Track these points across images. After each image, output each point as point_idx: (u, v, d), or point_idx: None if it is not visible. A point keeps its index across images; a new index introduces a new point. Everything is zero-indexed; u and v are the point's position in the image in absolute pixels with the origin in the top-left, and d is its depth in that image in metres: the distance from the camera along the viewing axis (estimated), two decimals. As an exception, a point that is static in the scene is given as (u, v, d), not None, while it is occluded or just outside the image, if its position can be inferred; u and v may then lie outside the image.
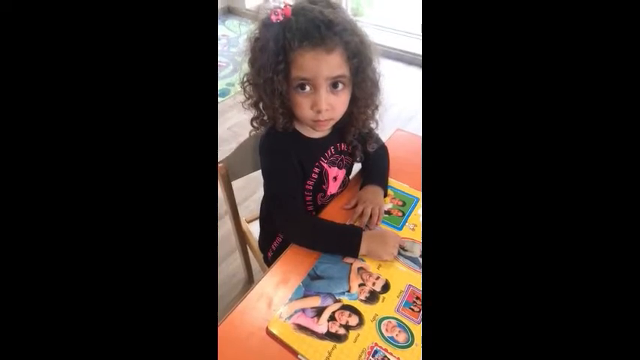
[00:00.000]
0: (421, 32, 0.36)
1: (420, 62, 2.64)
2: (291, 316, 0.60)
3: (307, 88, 0.64)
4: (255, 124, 0.74)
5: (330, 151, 0.78)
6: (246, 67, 0.68)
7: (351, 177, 0.90)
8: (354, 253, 0.68)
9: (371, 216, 0.75)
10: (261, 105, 0.70)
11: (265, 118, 0.71)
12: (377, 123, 0.78)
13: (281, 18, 0.60)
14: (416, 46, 2.71)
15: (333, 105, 0.66)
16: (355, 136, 0.78)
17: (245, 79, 0.69)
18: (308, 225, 0.73)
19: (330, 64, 0.62)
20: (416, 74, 2.57)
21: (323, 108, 0.64)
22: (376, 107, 0.74)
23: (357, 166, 0.90)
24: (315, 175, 0.77)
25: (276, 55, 0.61)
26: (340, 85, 0.65)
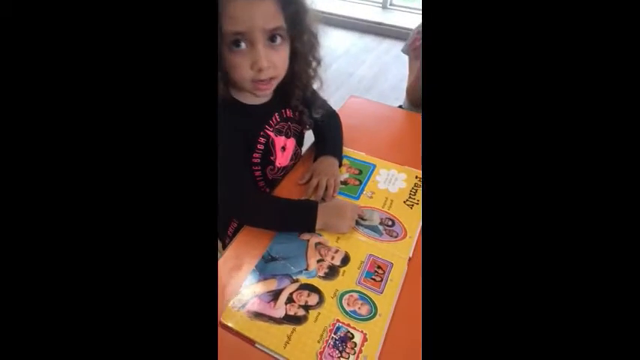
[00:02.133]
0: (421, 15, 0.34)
1: (375, 30, 2.59)
2: (245, 304, 0.55)
3: (243, 44, 0.57)
4: None
5: (275, 119, 0.72)
6: None
7: (304, 150, 0.85)
8: (311, 227, 0.64)
9: (326, 188, 0.71)
10: None
11: None
12: (321, 81, 0.72)
13: None
14: (370, 14, 2.65)
15: (274, 62, 0.60)
16: (299, 99, 0.73)
17: None
18: (259, 203, 0.68)
19: (265, 12, 0.56)
20: (371, 43, 2.51)
21: (264, 65, 0.58)
22: (318, 63, 0.69)
23: (309, 139, 0.85)
24: (261, 146, 0.71)
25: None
26: (278, 39, 0.59)
